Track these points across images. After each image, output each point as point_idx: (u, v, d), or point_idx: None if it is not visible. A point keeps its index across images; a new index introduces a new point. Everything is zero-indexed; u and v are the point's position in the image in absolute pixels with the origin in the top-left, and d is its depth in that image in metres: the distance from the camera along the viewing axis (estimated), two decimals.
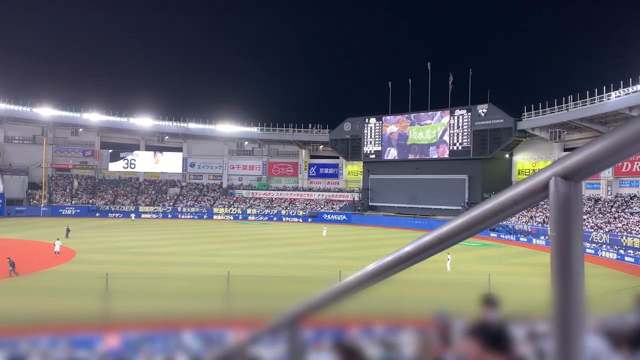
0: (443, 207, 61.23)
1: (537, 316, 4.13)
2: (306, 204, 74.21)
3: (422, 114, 67.10)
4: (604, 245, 40.99)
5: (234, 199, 77.24)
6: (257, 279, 25.47)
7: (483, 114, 60.53)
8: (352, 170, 78.68)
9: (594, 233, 42.86)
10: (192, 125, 78.35)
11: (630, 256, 37.72)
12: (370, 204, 71.31)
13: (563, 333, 0.91)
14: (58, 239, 35.68)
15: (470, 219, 1.15)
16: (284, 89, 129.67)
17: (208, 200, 76.53)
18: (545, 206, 52.02)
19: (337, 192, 77.02)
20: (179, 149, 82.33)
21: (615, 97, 46.15)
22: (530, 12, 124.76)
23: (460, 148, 62.78)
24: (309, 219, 69.07)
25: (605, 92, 47.31)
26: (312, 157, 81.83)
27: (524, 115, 58.16)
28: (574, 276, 0.91)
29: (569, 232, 0.92)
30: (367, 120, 72.13)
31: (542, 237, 46.12)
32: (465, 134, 62.15)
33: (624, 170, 50.37)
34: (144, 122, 76.08)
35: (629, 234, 40.83)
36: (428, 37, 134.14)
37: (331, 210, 71.37)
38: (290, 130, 78.59)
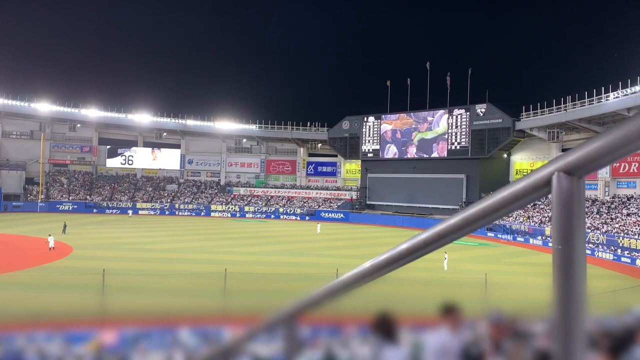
0: (441, 207, 61.24)
1: (533, 315, 4.13)
2: (304, 202, 74.18)
3: (420, 113, 67.07)
4: (601, 246, 41.11)
5: (232, 196, 77.16)
6: (254, 277, 25.45)
7: (481, 114, 60.55)
8: (350, 169, 78.62)
9: (591, 234, 42.95)
10: (191, 122, 78.17)
11: (627, 257, 37.82)
12: (368, 202, 71.30)
13: (564, 324, 0.90)
14: (50, 235, 35.17)
15: (469, 215, 1.13)
16: (282, 86, 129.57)
17: (206, 197, 76.45)
18: (542, 206, 52.10)
19: (335, 190, 76.93)
20: (177, 146, 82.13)
21: (614, 98, 46.18)
22: (529, 12, 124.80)
23: (458, 147, 62.80)
24: (307, 217, 69.03)
25: (604, 93, 47.36)
26: (310, 155, 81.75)
27: (522, 115, 58.20)
28: (576, 272, 0.91)
29: (571, 228, 0.91)
30: (365, 119, 72.09)
31: (539, 237, 46.19)
32: (464, 133, 62.16)
33: (621, 171, 50.44)
34: (142, 118, 75.85)
35: (625, 235, 40.94)
36: (427, 37, 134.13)
37: (329, 209, 71.35)
38: (288, 128, 78.48)
